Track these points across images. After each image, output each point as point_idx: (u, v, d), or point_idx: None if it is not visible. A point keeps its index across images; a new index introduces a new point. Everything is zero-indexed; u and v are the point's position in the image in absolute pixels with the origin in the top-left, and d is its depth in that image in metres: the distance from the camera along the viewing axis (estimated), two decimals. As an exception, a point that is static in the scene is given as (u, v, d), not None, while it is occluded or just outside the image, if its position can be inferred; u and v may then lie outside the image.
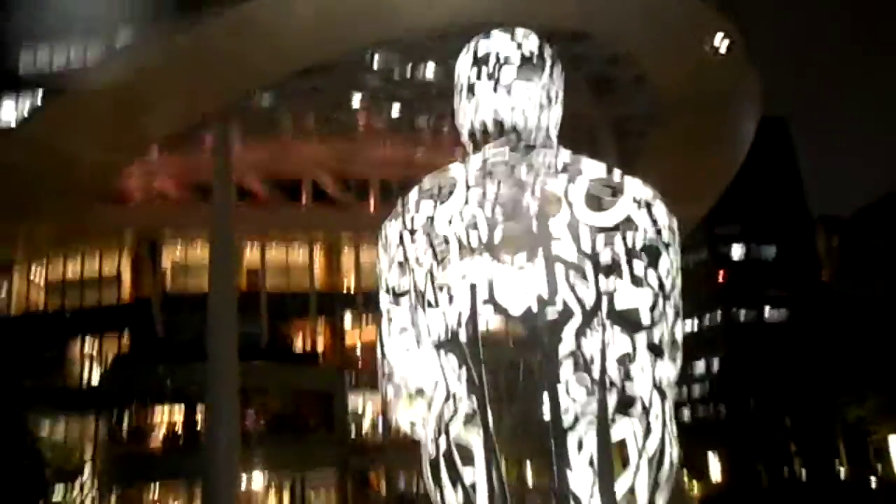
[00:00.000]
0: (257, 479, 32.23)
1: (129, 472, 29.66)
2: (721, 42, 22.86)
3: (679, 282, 4.89)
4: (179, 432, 30.72)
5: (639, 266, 4.63)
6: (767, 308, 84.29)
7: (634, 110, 28.34)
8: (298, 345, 38.58)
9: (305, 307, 37.15)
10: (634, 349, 4.53)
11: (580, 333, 4.54)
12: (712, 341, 67.74)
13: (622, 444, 4.51)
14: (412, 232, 4.95)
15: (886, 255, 38.11)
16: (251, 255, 38.32)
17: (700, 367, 75.61)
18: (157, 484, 30.43)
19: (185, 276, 35.54)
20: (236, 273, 27.44)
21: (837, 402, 30.08)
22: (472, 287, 4.64)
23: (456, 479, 4.61)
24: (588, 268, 4.53)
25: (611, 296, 4.51)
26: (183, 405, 30.54)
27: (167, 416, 31.83)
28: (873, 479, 29.15)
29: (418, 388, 5.02)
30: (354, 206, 37.69)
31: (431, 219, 4.87)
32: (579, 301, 4.48)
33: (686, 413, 63.46)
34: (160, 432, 31.63)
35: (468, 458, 4.59)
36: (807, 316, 52.91)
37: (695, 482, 36.89)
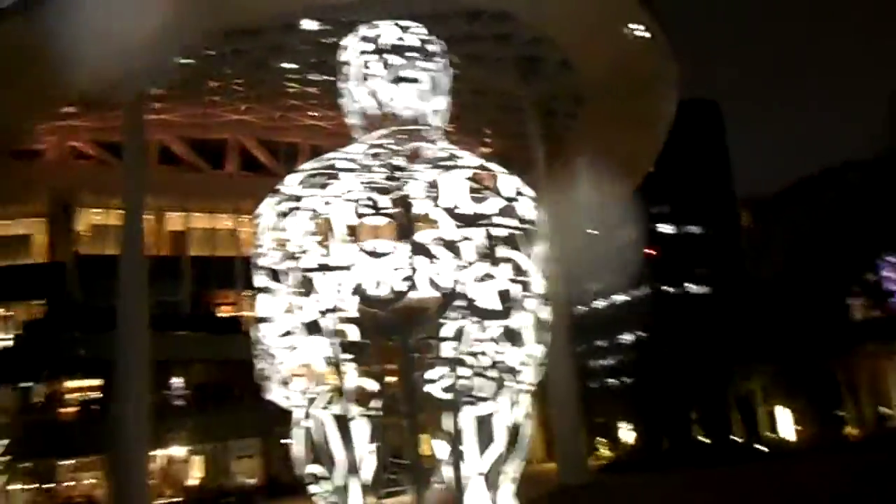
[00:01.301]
0: (178, 450, 31.93)
1: (42, 443, 28.81)
2: (639, 30, 23.56)
3: (546, 270, 5.20)
4: (95, 403, 29.96)
5: (499, 257, 4.93)
6: (692, 285, 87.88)
7: (561, 91, 28.85)
8: (223, 313, 38.02)
9: (231, 275, 36.54)
10: (491, 335, 4.86)
11: (440, 319, 4.85)
12: (640, 316, 70.11)
13: (484, 420, 4.86)
14: (285, 215, 5.09)
15: (789, 239, 40.45)
16: (175, 220, 37.39)
17: (628, 339, 78.42)
18: (71, 455, 29.64)
19: (103, 240, 34.33)
20: (144, 237, 26.63)
21: (732, 376, 32.32)
22: (340, 272, 4.84)
23: (321, 452, 4.87)
24: (451, 257, 4.80)
25: (471, 284, 4.80)
26: (99, 374, 29.71)
27: (82, 386, 30.99)
28: (760, 446, 31.58)
29: (293, 365, 5.21)
30: (283, 173, 36.99)
31: (308, 203, 5.02)
32: (440, 288, 4.75)
33: (611, 382, 65.89)
34: (74, 402, 30.79)
35: (334, 433, 4.84)
36: (723, 294, 55.56)
37: (604, 447, 38.76)
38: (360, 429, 4.85)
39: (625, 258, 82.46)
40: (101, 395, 29.68)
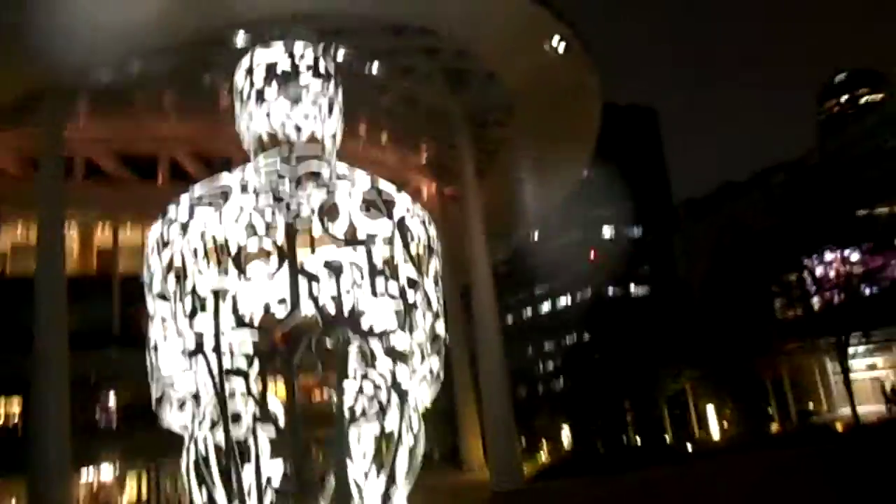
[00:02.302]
0: (107, 470, 31.16)
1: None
2: (559, 43, 24.33)
3: (439, 285, 5.34)
4: (15, 425, 29.00)
5: (381, 279, 5.05)
6: (633, 287, 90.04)
7: (490, 102, 29.42)
8: (155, 330, 37.09)
9: (163, 291, 35.78)
10: (382, 354, 4.97)
11: (328, 341, 4.95)
12: (582, 318, 71.39)
13: (375, 438, 4.97)
14: (166, 243, 5.14)
15: (718, 239, 41.80)
16: (103, 235, 36.42)
17: (571, 341, 79.62)
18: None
19: (26, 258, 33.24)
20: (73, 255, 25.93)
21: (660, 377, 33.21)
22: (225, 295, 4.91)
23: (211, 479, 4.93)
24: (332, 280, 4.91)
25: (360, 305, 4.92)
26: (20, 394, 28.77)
27: (2, 408, 29.95)
28: (691, 445, 32.57)
29: (186, 392, 5.25)
30: (217, 185, 36.37)
31: (196, 226, 5.07)
32: (325, 310, 4.86)
33: (556, 385, 66.84)
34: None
35: (221, 458, 4.90)
36: (657, 295, 57.15)
37: (546, 451, 39.25)
38: (248, 452, 4.89)
39: (566, 261, 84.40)
40: (23, 415, 28.80)
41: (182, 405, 5.33)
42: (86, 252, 36.01)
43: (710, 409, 34.04)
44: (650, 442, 33.66)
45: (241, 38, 25.39)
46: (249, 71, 5.65)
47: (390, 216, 5.17)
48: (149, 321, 5.45)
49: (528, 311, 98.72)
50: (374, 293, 4.98)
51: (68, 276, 27.14)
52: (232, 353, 4.85)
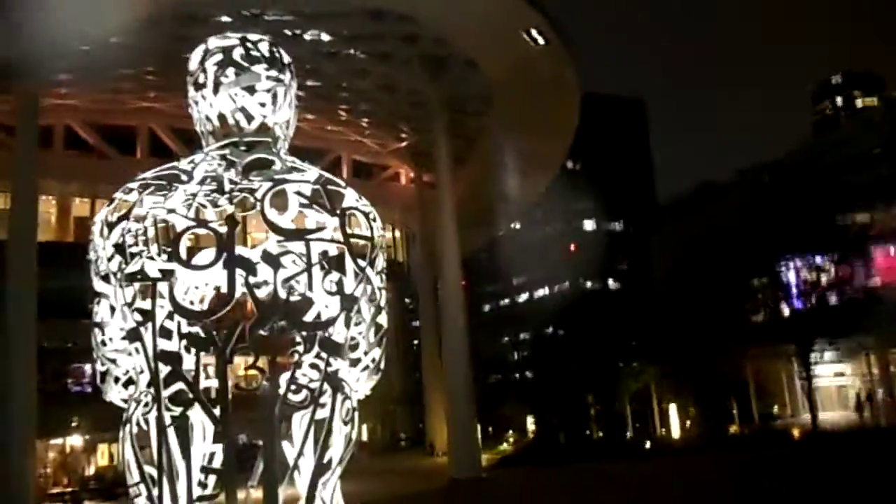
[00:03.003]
0: (77, 439, 31.35)
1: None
2: (538, 35, 24.44)
3: (380, 281, 5.50)
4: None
5: (322, 271, 5.22)
6: (611, 281, 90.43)
7: (468, 91, 29.42)
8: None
9: (139, 261, 35.69)
10: (318, 344, 5.15)
11: (257, 331, 5.13)
12: (556, 309, 71.73)
13: (308, 424, 5.15)
14: (118, 223, 5.31)
15: (686, 240, 42.08)
16: (82, 207, 36.35)
17: (546, 332, 79.98)
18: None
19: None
20: (53, 224, 25.81)
21: (628, 373, 33.58)
22: (163, 282, 5.09)
23: (144, 457, 5.15)
24: (269, 272, 5.09)
25: (288, 298, 5.11)
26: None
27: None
28: (651, 442, 32.78)
29: (129, 369, 5.47)
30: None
31: (140, 212, 5.23)
32: (261, 301, 5.04)
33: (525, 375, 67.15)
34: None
35: (155, 438, 5.10)
36: (631, 291, 57.67)
37: (512, 441, 39.59)
38: (181, 434, 5.04)
39: (545, 253, 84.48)
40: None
41: (125, 382, 5.53)
42: (62, 222, 35.95)
43: (673, 408, 34.40)
44: (611, 436, 34.07)
45: (221, 16, 25.27)
46: (204, 57, 5.78)
47: (335, 210, 5.27)
48: (94, 300, 5.60)
49: (506, 301, 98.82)
50: (314, 285, 5.10)
51: (45, 245, 27.12)
52: (171, 336, 4.99)
